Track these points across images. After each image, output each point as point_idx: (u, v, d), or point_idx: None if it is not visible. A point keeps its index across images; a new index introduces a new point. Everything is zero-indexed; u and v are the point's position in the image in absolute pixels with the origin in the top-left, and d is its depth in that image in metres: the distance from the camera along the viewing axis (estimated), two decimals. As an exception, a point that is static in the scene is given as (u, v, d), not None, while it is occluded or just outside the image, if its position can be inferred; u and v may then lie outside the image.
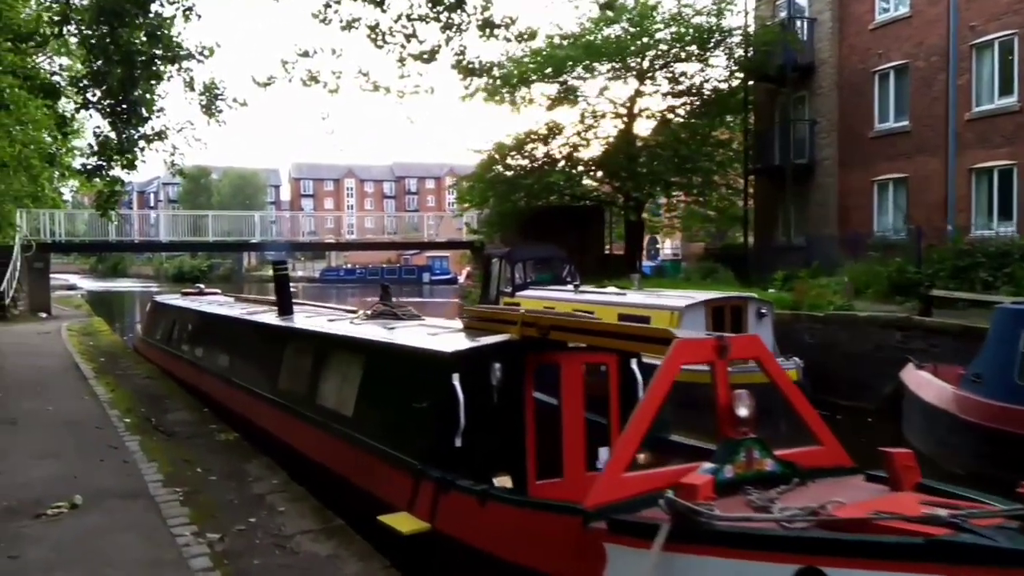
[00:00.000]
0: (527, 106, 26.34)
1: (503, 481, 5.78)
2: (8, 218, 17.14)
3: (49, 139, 17.42)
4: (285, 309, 9.58)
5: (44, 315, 25.38)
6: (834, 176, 24.59)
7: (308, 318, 9.18)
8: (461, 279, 77.93)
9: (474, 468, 5.57)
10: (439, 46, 11.66)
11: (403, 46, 11.51)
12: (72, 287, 51.25)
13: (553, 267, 19.32)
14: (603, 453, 6.32)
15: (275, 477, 7.07)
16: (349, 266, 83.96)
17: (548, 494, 5.90)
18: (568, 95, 25.69)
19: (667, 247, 54.23)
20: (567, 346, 6.01)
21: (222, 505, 6.28)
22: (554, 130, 26.25)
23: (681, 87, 26.89)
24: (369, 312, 8.22)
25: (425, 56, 11.51)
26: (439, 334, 6.68)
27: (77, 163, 14.85)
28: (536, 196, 26.76)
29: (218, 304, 13.15)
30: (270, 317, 9.70)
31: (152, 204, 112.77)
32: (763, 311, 14.15)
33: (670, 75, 26.69)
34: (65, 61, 14.23)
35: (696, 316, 13.34)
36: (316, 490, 6.67)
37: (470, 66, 11.61)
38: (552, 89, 26.31)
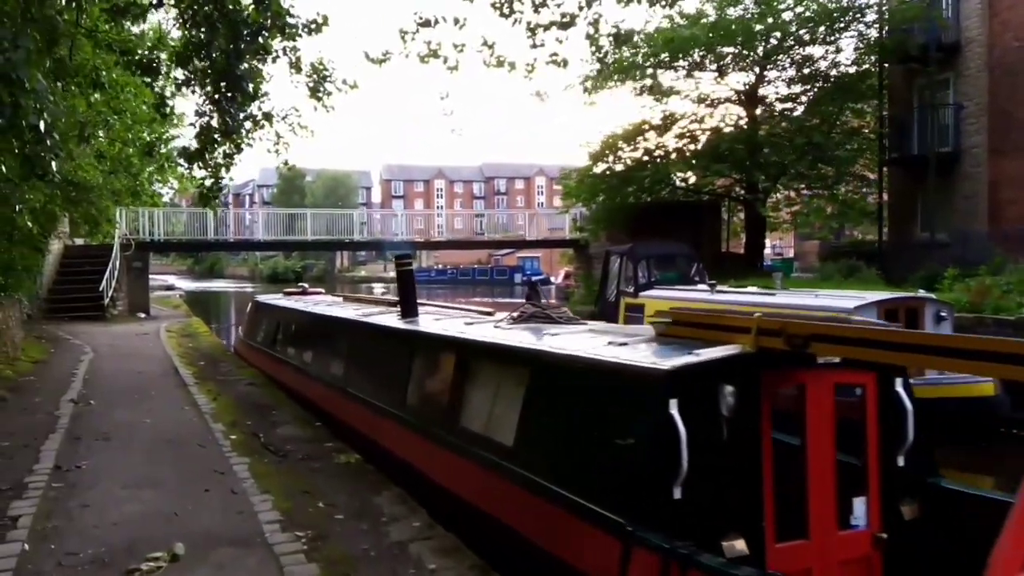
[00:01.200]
0: (639, 95, 24.58)
1: (735, 545, 4.21)
2: (107, 214, 16.56)
3: (147, 133, 16.80)
4: (409, 310, 8.21)
5: (143, 315, 25.09)
6: (983, 165, 21.98)
7: (438, 321, 7.77)
8: (556, 280, 76.65)
9: (699, 528, 4.03)
10: (575, 13, 10.17)
11: (536, 10, 10.05)
12: (170, 287, 52.13)
13: (678, 265, 17.54)
14: (858, 505, 4.69)
15: (414, 518, 5.65)
16: (440, 267, 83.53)
17: (792, 562, 4.32)
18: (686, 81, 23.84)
19: (766, 246, 51.32)
20: (815, 362, 4.39)
21: (356, 557, 4.90)
22: (669, 119, 24.40)
23: (806, 71, 24.63)
24: (516, 314, 6.72)
25: (562, 22, 10.03)
26: (629, 343, 5.12)
27: (178, 144, 14.08)
28: (648, 191, 24.96)
29: (326, 304, 11.98)
30: (392, 319, 8.35)
31: (247, 206, 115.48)
32: (943, 314, 12.15)
33: (795, 59, 24.47)
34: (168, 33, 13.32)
35: (867, 319, 11.42)
36: (467, 537, 5.23)
37: (613, 33, 10.04)
38: (667, 76, 24.52)
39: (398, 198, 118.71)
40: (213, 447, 7.59)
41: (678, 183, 24.65)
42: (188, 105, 22.85)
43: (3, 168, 8.01)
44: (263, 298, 15.63)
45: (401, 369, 7.28)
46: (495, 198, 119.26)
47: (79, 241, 28.35)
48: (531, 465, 4.99)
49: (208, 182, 11.21)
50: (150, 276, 29.52)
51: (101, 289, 22.66)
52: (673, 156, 24.77)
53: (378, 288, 69.93)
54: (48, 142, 6.68)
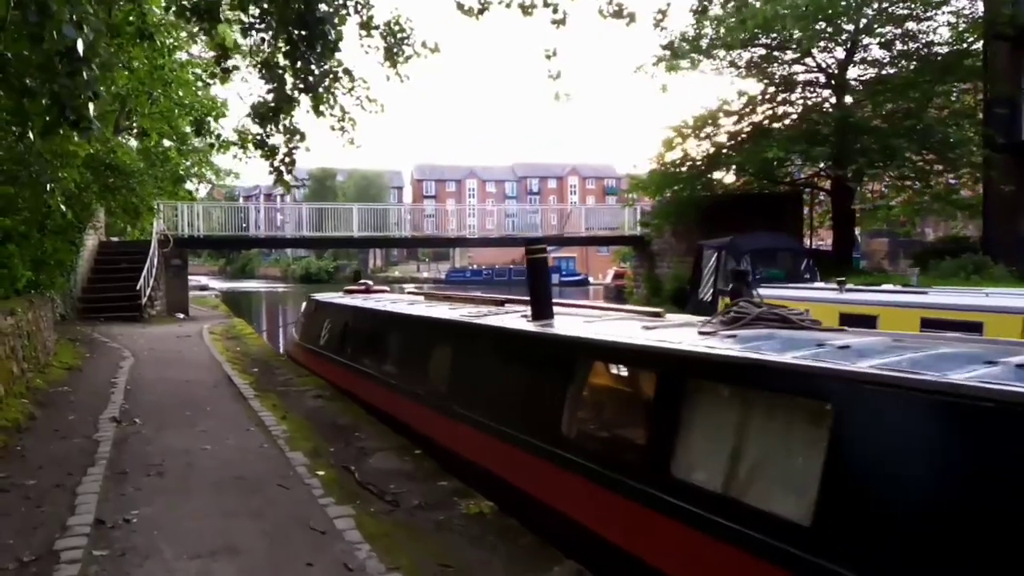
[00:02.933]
0: (719, 75, 22.57)
1: None
2: (148, 202, 14.88)
3: (187, 115, 15.13)
4: (543, 310, 6.37)
5: (182, 316, 23.54)
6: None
7: (593, 324, 5.91)
8: (595, 280, 74.48)
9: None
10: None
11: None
12: (204, 287, 50.87)
13: (782, 260, 15.55)
14: None
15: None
16: (475, 266, 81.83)
17: None
18: (769, 61, 21.77)
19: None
20: None
21: None
22: (753, 102, 22.34)
23: (901, 49, 22.47)
24: (726, 316, 4.81)
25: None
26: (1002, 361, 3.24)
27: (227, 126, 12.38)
28: (719, 183, 22.89)
29: (408, 304, 10.18)
30: (520, 322, 6.51)
31: (278, 208, 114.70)
32: None
33: (889, 37, 22.31)
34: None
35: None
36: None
37: None
38: (743, 57, 22.47)
39: (429, 198, 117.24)
40: (298, 487, 5.78)
41: (773, 167, 22.42)
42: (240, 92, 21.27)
43: (27, 123, 6.31)
44: (322, 297, 13.87)
45: (549, 389, 5.43)
46: (528, 198, 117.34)
47: (114, 239, 27.00)
48: (834, 551, 3.12)
49: (282, 152, 9.41)
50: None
51: (138, 288, 21.10)
52: (747, 146, 22.65)
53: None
54: (84, 73, 4.93)
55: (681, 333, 4.86)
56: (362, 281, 14.52)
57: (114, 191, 13.50)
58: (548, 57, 9.39)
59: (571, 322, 6.14)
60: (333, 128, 10.85)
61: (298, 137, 9.24)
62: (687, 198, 23.17)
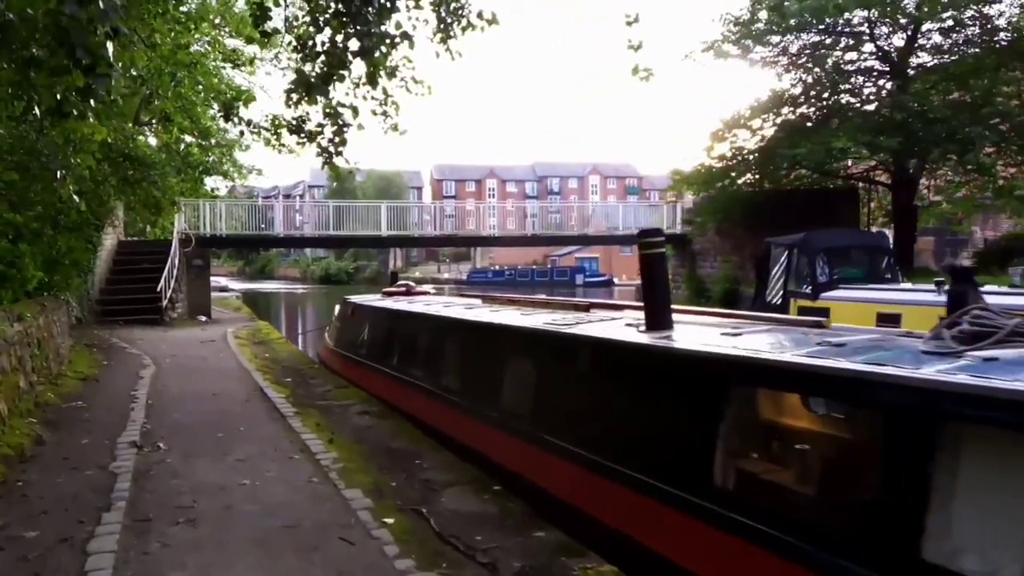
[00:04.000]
0: (762, 67, 21.22)
1: None
2: (170, 195, 13.69)
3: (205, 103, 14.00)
4: (660, 319, 5.14)
5: (204, 319, 22.48)
6: None
7: (737, 337, 4.67)
8: (627, 280, 72.95)
9: None
10: None
11: None
12: (224, 288, 50.04)
13: (860, 259, 14.20)
14: None
15: None
16: (497, 267, 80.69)
17: None
18: (824, 48, 20.38)
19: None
20: None
21: None
22: (812, 88, 20.94)
23: (963, 36, 21.03)
24: (954, 331, 3.56)
25: None
26: None
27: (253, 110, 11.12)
28: (771, 176, 21.54)
29: (465, 308, 8.96)
30: (629, 333, 5.28)
31: (297, 207, 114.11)
32: None
33: (949, 23, 20.88)
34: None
35: None
36: None
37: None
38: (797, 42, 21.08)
39: (449, 198, 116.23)
40: (365, 542, 4.58)
41: (833, 159, 20.99)
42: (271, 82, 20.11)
43: (34, 99, 5.19)
44: (360, 299, 12.68)
45: (691, 423, 4.21)
46: (548, 197, 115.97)
47: (133, 238, 26.00)
48: None
49: (329, 131, 8.19)
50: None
51: (159, 289, 20.05)
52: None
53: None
54: (103, 24, 3.77)
55: (901, 353, 3.61)
56: (402, 282, 13.32)
57: (133, 184, 12.40)
58: (629, 24, 8.13)
59: (703, 333, 4.91)
60: (375, 113, 9.63)
61: (350, 112, 8.00)
62: (734, 194, 21.82)
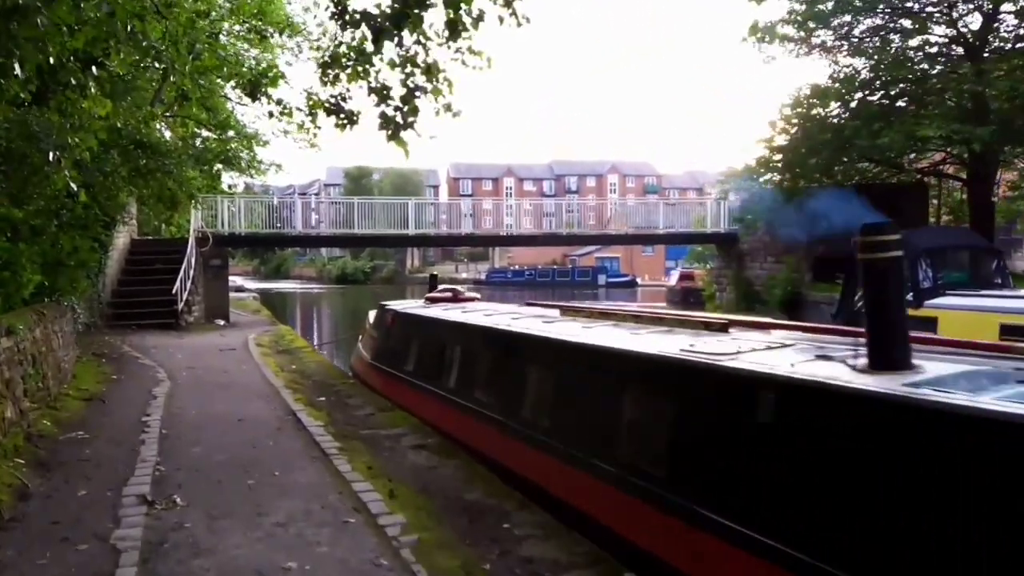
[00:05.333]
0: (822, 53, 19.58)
1: None
2: (188, 188, 12.24)
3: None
4: (894, 355, 3.61)
5: (222, 323, 21.09)
6: None
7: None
8: (651, 280, 71.18)
9: None
10: None
11: None
12: (240, 288, 48.93)
13: (958, 260, 12.59)
14: None
15: None
16: (516, 267, 79.18)
17: None
18: (890, 30, 18.72)
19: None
20: None
21: None
22: (876, 76, 19.24)
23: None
24: None
25: None
26: None
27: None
28: (843, 170, 19.82)
29: (543, 322, 7.39)
30: (847, 373, 3.74)
31: (314, 206, 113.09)
32: None
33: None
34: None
35: None
36: None
37: None
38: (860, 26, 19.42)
39: (466, 196, 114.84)
40: None
41: (915, 148, 19.29)
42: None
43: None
44: (400, 307, 11.18)
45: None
46: (566, 196, 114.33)
47: (147, 236, 24.65)
48: None
49: (397, 97, 6.65)
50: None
51: (174, 291, 18.66)
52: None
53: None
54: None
55: None
56: (447, 287, 11.80)
57: (146, 175, 10.98)
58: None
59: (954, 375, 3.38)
60: (427, 92, 8.11)
61: (420, 73, 6.42)
62: (788, 189, 20.14)
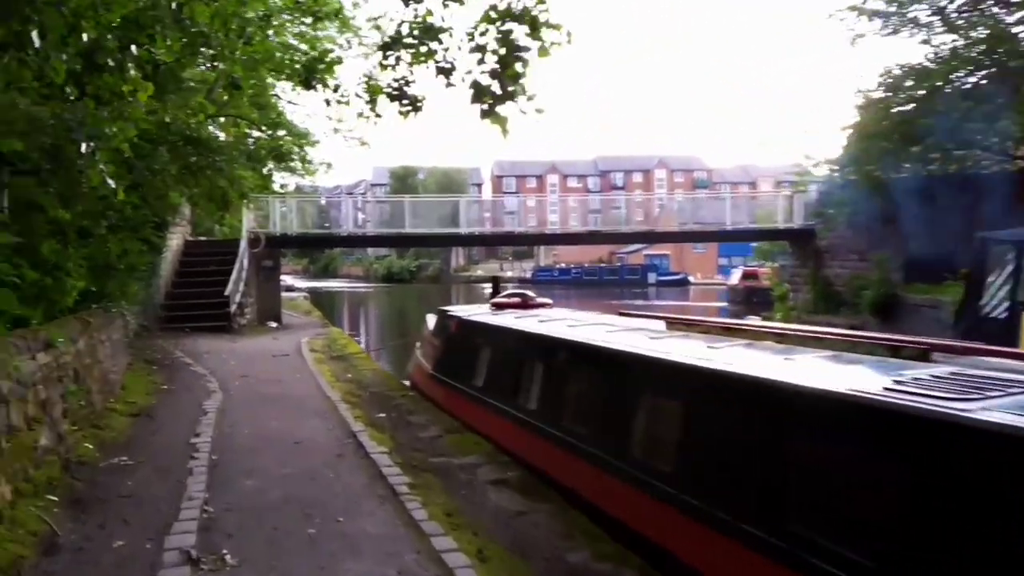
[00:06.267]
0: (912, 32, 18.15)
1: None
2: (240, 187, 11.54)
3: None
4: None
5: (275, 325, 20.57)
6: None
7: None
8: (701, 278, 69.49)
9: None
10: None
11: None
12: (291, 288, 48.91)
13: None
14: None
15: None
16: (563, 265, 78.01)
17: None
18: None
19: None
20: None
21: None
22: (972, 56, 17.71)
23: None
24: None
25: None
26: None
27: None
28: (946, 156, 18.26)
29: (649, 337, 6.37)
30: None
31: (360, 206, 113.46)
32: None
33: None
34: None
35: None
36: None
37: None
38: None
39: (510, 194, 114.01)
40: None
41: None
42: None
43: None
44: (465, 313, 10.27)
45: None
46: (611, 192, 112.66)
47: (201, 237, 24.27)
48: None
49: (490, 59, 5.72)
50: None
51: (227, 294, 18.14)
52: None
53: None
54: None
55: None
56: (514, 291, 10.88)
57: (196, 173, 10.31)
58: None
59: None
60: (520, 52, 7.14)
61: (526, 30, 5.40)
62: (876, 180, 18.69)
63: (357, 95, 7.87)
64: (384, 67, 7.75)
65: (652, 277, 69.60)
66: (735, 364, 4.76)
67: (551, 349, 7.07)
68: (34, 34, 3.91)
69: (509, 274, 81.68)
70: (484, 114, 5.64)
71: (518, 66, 5.44)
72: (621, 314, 8.77)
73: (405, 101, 7.68)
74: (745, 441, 4.30)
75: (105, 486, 5.85)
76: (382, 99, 7.98)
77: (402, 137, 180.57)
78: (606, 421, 5.75)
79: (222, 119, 19.53)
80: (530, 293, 10.67)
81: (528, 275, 76.73)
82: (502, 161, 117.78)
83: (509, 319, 8.99)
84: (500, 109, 5.50)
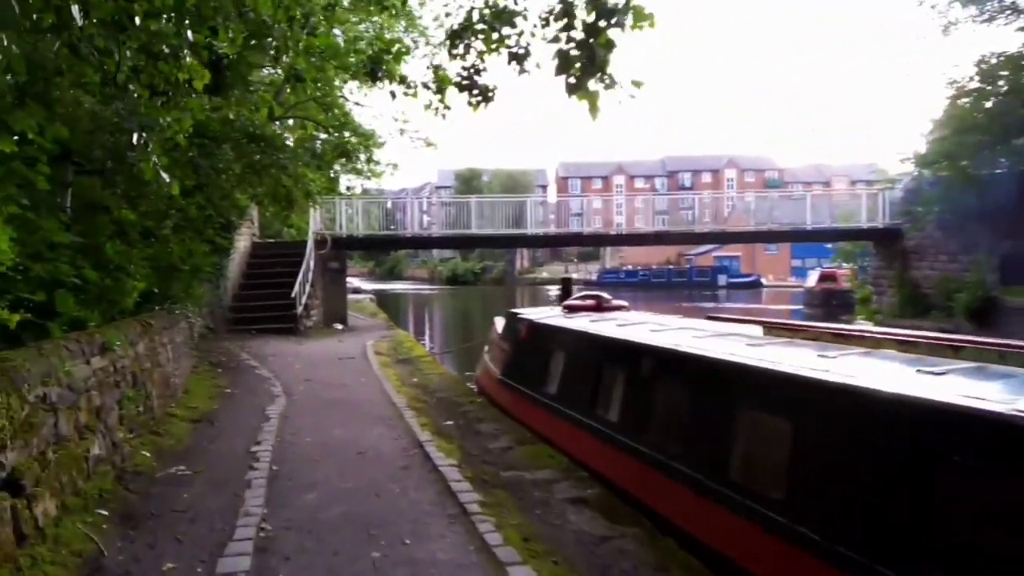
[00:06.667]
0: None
1: None
2: (303, 185, 11.20)
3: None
4: None
5: (340, 327, 20.42)
6: None
7: None
8: (774, 279, 67.52)
9: None
10: None
11: None
12: (357, 290, 49.31)
13: None
14: None
15: None
16: (629, 267, 76.87)
17: None
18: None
19: None
20: None
21: None
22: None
23: None
24: None
25: None
26: None
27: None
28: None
29: (747, 344, 5.71)
30: None
31: (425, 208, 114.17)
32: None
33: None
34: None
35: None
36: None
37: None
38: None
39: (576, 196, 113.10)
40: None
41: None
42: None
43: None
44: (537, 316, 9.73)
45: None
46: (679, 192, 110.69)
47: (269, 239, 24.35)
48: None
49: (580, 27, 5.18)
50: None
51: (293, 295, 18.04)
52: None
53: (553, 290, 63.09)
54: None
55: None
56: (587, 292, 10.30)
57: (260, 172, 10.04)
58: None
59: None
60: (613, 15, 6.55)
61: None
62: (970, 177, 17.47)
63: (425, 86, 7.43)
64: (453, 56, 7.33)
65: (723, 279, 67.82)
66: (862, 377, 4.08)
67: (635, 356, 6.45)
68: (75, 10, 3.54)
69: (574, 276, 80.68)
70: (571, 89, 5.06)
71: (612, 33, 4.85)
72: (709, 318, 8.10)
73: (475, 91, 7.23)
74: (881, 469, 3.64)
75: (159, 499, 5.51)
76: (451, 91, 7.56)
77: (467, 140, 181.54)
78: (701, 438, 5.12)
79: (290, 121, 19.51)
80: (605, 295, 10.06)
81: (593, 277, 75.78)
82: (567, 163, 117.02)
83: (584, 322, 8.42)
84: (590, 85, 4.89)
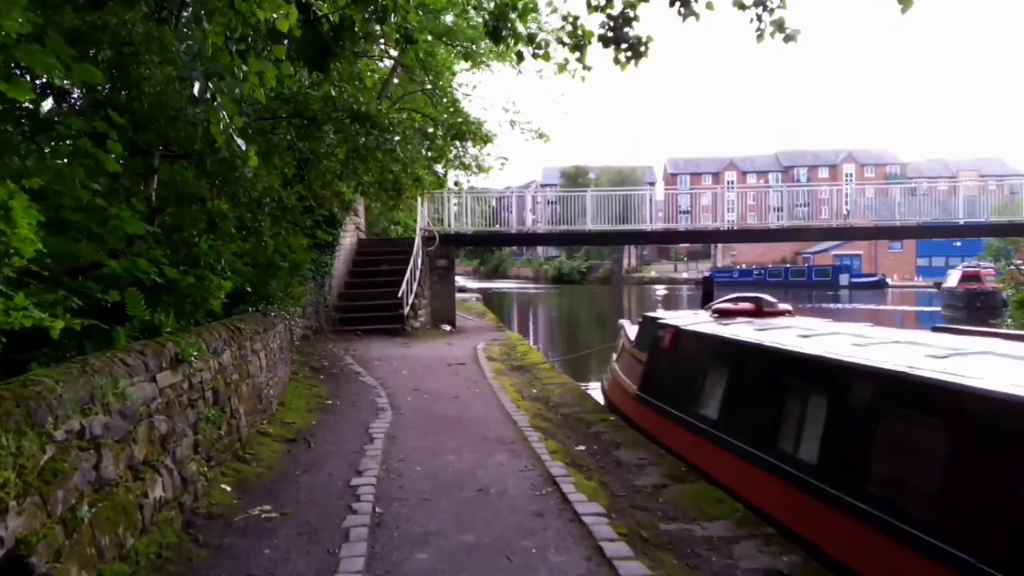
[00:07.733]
0: None
1: None
2: (412, 170, 10.02)
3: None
4: None
5: (448, 328, 19.34)
6: None
7: None
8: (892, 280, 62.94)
9: None
10: None
11: None
12: (463, 288, 48.69)
13: None
14: None
15: None
16: (743, 266, 73.56)
17: None
18: None
19: None
20: None
21: None
22: None
23: None
24: None
25: None
26: None
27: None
28: None
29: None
30: None
31: (530, 206, 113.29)
32: None
33: None
34: None
35: None
36: None
37: None
38: None
39: (684, 192, 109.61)
40: None
41: None
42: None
43: None
44: (686, 323, 8.13)
45: None
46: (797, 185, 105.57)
47: (375, 235, 23.64)
48: None
49: None
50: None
51: (400, 295, 17.07)
52: None
53: (660, 291, 60.88)
54: None
55: None
56: (745, 294, 8.64)
57: (365, 156, 8.91)
58: None
59: None
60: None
61: None
62: None
63: (561, 41, 6.06)
64: (592, 9, 5.98)
65: (844, 279, 63.63)
66: None
67: (844, 379, 4.83)
68: None
69: (684, 275, 77.92)
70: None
71: None
72: (936, 329, 6.36)
73: (624, 45, 5.83)
74: None
75: (233, 557, 4.32)
76: (592, 49, 6.15)
77: (571, 139, 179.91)
78: (966, 500, 3.51)
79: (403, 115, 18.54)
80: (768, 297, 8.38)
81: (705, 276, 72.79)
82: (676, 159, 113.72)
83: (748, 331, 6.82)
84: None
